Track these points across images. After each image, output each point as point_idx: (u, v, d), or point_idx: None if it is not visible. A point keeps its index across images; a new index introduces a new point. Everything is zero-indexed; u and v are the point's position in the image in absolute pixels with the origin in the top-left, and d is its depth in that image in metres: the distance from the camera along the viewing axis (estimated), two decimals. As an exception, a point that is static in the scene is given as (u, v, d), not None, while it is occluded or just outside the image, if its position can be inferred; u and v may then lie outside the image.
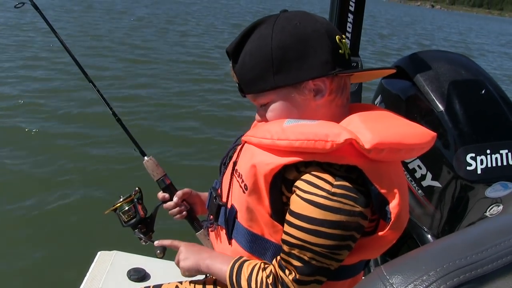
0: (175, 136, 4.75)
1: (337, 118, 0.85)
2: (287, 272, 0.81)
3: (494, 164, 1.51)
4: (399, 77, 1.83)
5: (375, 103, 1.96)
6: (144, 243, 1.18)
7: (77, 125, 4.64)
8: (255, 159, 0.83)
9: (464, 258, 0.37)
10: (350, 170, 0.77)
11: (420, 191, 1.70)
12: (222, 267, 0.91)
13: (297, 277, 0.79)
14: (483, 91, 1.60)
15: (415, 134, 0.79)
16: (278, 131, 0.80)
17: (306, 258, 0.78)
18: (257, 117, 0.94)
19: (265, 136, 0.82)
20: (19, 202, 3.20)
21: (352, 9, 1.65)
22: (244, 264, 0.88)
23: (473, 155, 1.52)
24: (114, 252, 1.84)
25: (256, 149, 0.85)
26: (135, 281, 1.66)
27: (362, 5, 1.68)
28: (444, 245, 0.41)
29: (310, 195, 0.76)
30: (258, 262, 0.88)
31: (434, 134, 0.80)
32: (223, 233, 0.97)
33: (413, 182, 1.71)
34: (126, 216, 1.15)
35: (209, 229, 1.05)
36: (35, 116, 4.75)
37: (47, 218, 3.07)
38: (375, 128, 0.77)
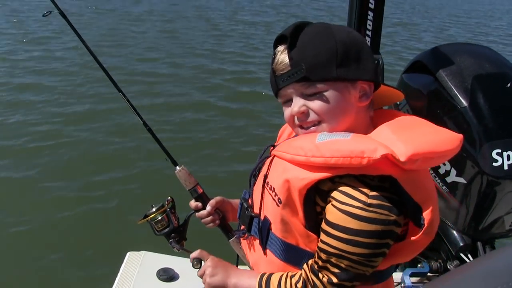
0: (202, 143, 4.66)
1: (367, 126, 0.90)
2: (320, 275, 0.84)
3: (521, 160, 1.49)
4: (420, 72, 1.81)
5: None
6: (177, 251, 1.21)
7: (107, 136, 4.63)
8: (288, 174, 0.85)
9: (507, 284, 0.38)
10: (383, 179, 0.79)
11: (444, 187, 1.69)
12: (250, 282, 0.95)
13: (334, 281, 0.83)
14: (508, 84, 1.57)
15: (445, 140, 0.81)
16: (312, 148, 0.82)
17: (343, 265, 0.81)
18: (296, 108, 0.88)
19: (298, 153, 0.84)
20: (53, 206, 3.30)
21: (372, 6, 1.63)
22: (272, 275, 0.92)
23: (499, 150, 1.49)
24: (143, 252, 1.89)
25: (288, 164, 0.87)
26: (164, 281, 1.71)
27: (382, 2, 1.66)
28: (485, 270, 0.42)
29: (347, 206, 0.78)
30: (286, 272, 0.92)
31: (461, 136, 0.83)
32: (256, 243, 1.00)
33: (437, 178, 1.70)
34: (159, 226, 1.18)
35: (242, 239, 1.08)
36: (66, 123, 4.81)
37: (78, 223, 3.16)
38: (407, 139, 0.79)
